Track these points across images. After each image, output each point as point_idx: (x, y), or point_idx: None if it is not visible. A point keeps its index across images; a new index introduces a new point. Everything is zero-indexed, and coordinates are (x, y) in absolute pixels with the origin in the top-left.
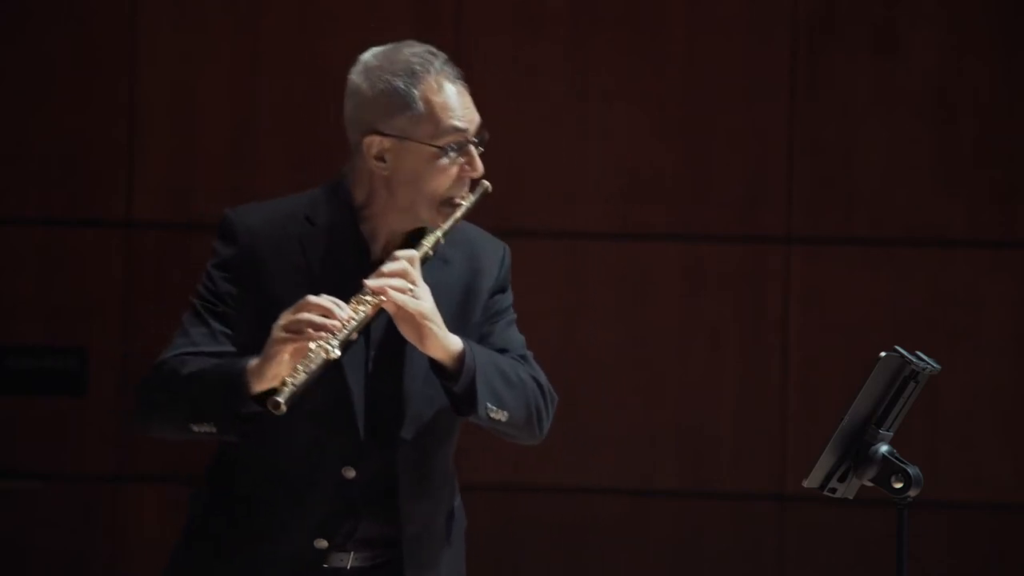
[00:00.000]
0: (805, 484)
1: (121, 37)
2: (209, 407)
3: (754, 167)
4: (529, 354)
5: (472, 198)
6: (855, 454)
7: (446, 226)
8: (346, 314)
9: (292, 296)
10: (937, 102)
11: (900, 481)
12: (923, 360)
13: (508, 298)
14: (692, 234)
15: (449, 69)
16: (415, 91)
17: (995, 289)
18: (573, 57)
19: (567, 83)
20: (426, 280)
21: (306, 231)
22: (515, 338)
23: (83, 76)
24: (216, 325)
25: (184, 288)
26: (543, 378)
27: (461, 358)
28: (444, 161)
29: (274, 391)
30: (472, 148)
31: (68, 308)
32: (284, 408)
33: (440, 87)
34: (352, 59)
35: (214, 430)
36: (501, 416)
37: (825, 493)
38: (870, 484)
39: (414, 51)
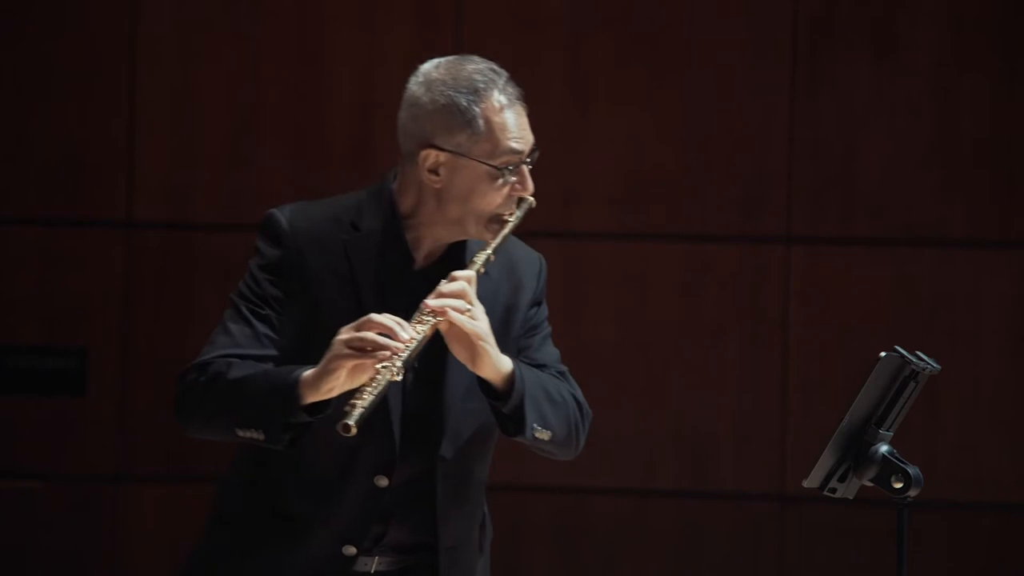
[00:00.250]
0: (805, 484)
1: (121, 37)
2: (258, 414)
3: (754, 167)
4: (565, 369)
5: (518, 214)
6: (855, 454)
7: (495, 243)
8: (408, 334)
9: (335, 303)
10: (937, 102)
11: (900, 481)
12: (923, 360)
13: (544, 311)
14: (692, 234)
15: (511, 88)
16: (476, 109)
17: (995, 289)
18: (573, 57)
19: (567, 83)
20: None
21: (351, 238)
22: (552, 352)
23: (83, 76)
24: (260, 327)
25: (184, 288)
26: (580, 394)
27: (511, 379)
28: (499, 181)
29: (325, 404)
30: (524, 167)
31: (68, 308)
32: (355, 431)
33: (501, 107)
34: (352, 59)
35: (261, 437)
36: (545, 436)
37: (825, 493)
38: (870, 484)
39: (477, 67)
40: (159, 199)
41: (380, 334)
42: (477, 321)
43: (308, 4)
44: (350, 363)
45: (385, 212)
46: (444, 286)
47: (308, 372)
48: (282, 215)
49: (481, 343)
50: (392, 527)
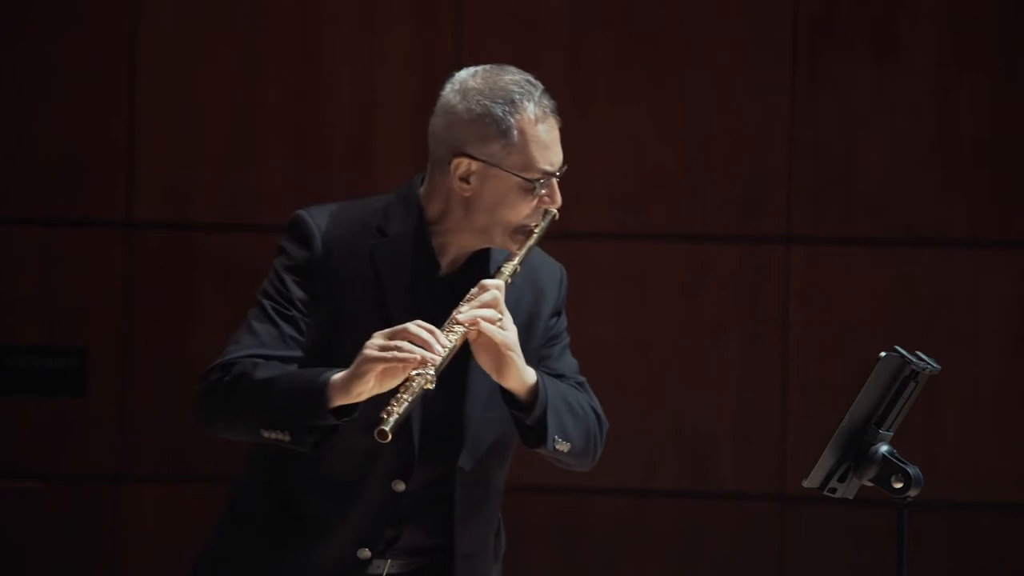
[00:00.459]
0: (805, 484)
1: (121, 37)
2: (284, 416)
3: (754, 167)
4: (584, 380)
5: (543, 225)
6: (855, 454)
7: (522, 254)
8: (441, 343)
9: (359, 307)
10: (937, 102)
11: (900, 481)
12: (923, 360)
13: (564, 321)
14: (692, 234)
15: (546, 101)
16: (512, 120)
17: (995, 289)
18: (573, 57)
19: (567, 83)
20: None
21: (378, 242)
22: (571, 363)
23: (83, 76)
24: (286, 328)
25: (184, 288)
26: (598, 406)
27: (534, 390)
28: (529, 193)
29: (352, 407)
30: (554, 181)
31: (68, 308)
32: (390, 437)
33: (536, 120)
34: (352, 59)
35: (287, 439)
36: (565, 448)
37: (825, 493)
38: (870, 484)
39: (514, 78)
40: (159, 199)
41: (413, 343)
42: (507, 331)
43: (308, 4)
44: (380, 367)
45: (412, 217)
46: (476, 295)
47: (337, 376)
48: (310, 217)
49: (510, 353)
50: (407, 531)
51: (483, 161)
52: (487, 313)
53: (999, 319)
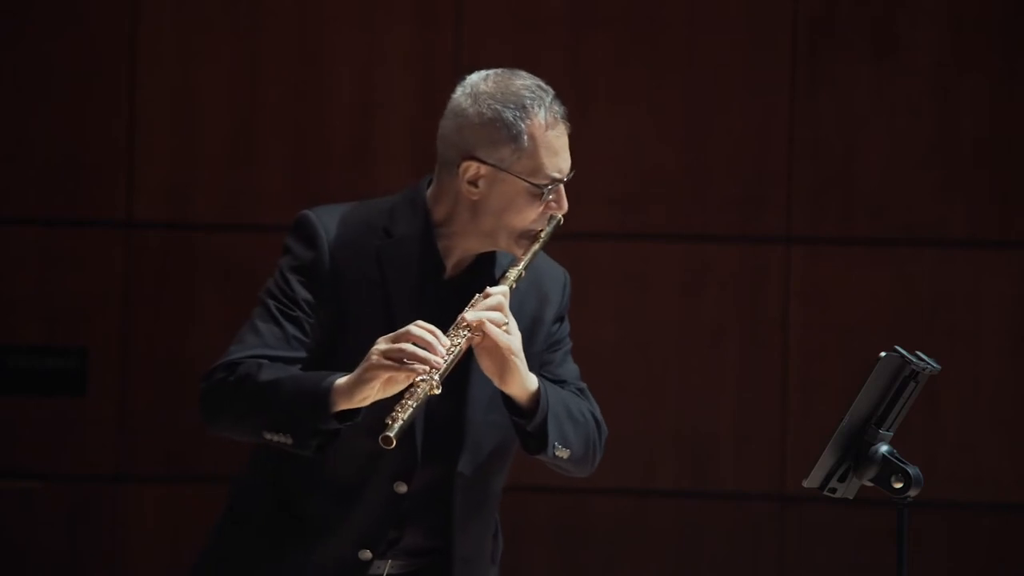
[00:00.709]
0: (805, 484)
1: (121, 37)
2: (288, 419)
3: (754, 167)
4: (585, 386)
5: (548, 230)
6: (855, 454)
7: (527, 259)
8: (445, 347)
9: (364, 308)
10: (937, 102)
11: (900, 481)
12: (923, 360)
13: (567, 326)
14: (692, 234)
15: (557, 107)
16: (522, 125)
17: (995, 289)
18: (573, 57)
19: (567, 83)
20: None
21: (384, 244)
22: (573, 369)
23: (83, 76)
24: (290, 329)
25: (184, 288)
26: (598, 412)
27: (536, 397)
28: (537, 199)
29: (355, 411)
30: (562, 186)
31: (68, 308)
32: (395, 443)
33: (547, 126)
34: (352, 59)
35: (289, 442)
36: (564, 454)
37: (825, 493)
38: (870, 484)
39: (525, 83)
40: (159, 199)
41: (417, 346)
42: (511, 336)
43: (308, 4)
44: (386, 374)
45: (419, 219)
46: (481, 300)
47: (341, 380)
48: (316, 217)
49: (513, 358)
50: (408, 532)
51: (492, 165)
52: (493, 316)
53: (999, 319)
